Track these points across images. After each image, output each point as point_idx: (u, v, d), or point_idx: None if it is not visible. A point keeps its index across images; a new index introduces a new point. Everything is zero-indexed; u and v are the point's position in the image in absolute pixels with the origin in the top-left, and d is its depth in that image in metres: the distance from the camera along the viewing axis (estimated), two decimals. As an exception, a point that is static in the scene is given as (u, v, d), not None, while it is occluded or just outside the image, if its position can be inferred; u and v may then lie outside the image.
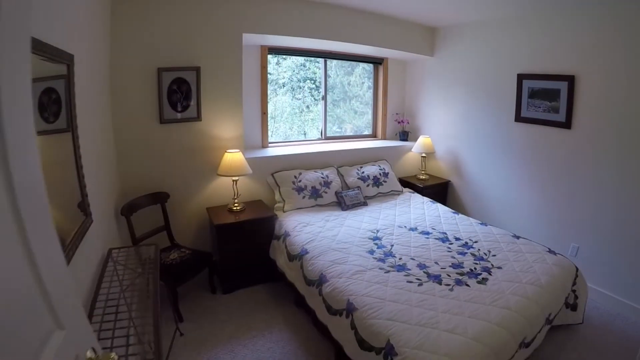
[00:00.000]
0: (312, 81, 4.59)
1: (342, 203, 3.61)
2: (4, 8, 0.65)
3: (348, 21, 3.72)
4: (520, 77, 3.52)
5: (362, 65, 4.80)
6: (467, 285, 2.28)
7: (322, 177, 3.70)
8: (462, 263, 2.55)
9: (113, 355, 1.04)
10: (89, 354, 0.98)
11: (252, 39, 3.48)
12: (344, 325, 2.11)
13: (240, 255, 3.16)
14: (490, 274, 2.40)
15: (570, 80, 3.12)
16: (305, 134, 4.63)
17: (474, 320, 1.92)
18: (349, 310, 2.10)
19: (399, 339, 1.78)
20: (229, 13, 3.17)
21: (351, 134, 4.88)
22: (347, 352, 2.08)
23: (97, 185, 2.15)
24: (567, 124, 3.21)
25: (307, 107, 4.62)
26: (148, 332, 1.61)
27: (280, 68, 4.34)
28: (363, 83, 4.95)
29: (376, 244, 2.83)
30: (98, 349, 1.05)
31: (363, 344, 1.94)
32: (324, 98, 4.46)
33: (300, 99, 4.57)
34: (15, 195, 0.71)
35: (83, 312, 1.06)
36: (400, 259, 2.59)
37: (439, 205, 3.73)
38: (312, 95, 4.62)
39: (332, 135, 4.63)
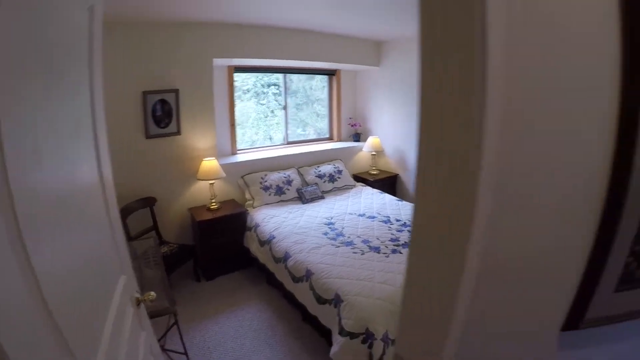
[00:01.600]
0: (276, 86, 4.95)
1: (303, 198, 4.21)
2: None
3: (303, 42, 4.29)
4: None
5: (320, 71, 5.18)
6: (401, 253, 2.95)
7: (285, 177, 4.29)
8: (399, 238, 3.22)
9: (152, 293, 1.50)
10: (137, 294, 1.50)
11: (220, 61, 4.01)
12: (305, 288, 2.73)
13: (219, 246, 3.68)
14: (418, 244, 3.08)
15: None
16: (271, 138, 5.00)
17: (402, 276, 2.59)
18: (308, 275, 2.72)
19: (344, 290, 2.43)
20: (200, 41, 3.67)
21: (314, 136, 5.40)
22: (309, 310, 2.70)
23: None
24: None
25: (272, 111, 4.98)
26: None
27: (245, 74, 4.60)
28: (324, 87, 5.36)
29: (330, 227, 3.47)
30: (139, 292, 1.56)
31: (320, 300, 2.56)
32: (285, 108, 5.00)
33: (264, 104, 4.89)
34: (106, 190, 1.28)
35: (130, 264, 1.48)
36: (348, 237, 3.24)
37: (386, 195, 4.40)
38: (277, 100, 4.97)
39: (295, 139, 5.16)
